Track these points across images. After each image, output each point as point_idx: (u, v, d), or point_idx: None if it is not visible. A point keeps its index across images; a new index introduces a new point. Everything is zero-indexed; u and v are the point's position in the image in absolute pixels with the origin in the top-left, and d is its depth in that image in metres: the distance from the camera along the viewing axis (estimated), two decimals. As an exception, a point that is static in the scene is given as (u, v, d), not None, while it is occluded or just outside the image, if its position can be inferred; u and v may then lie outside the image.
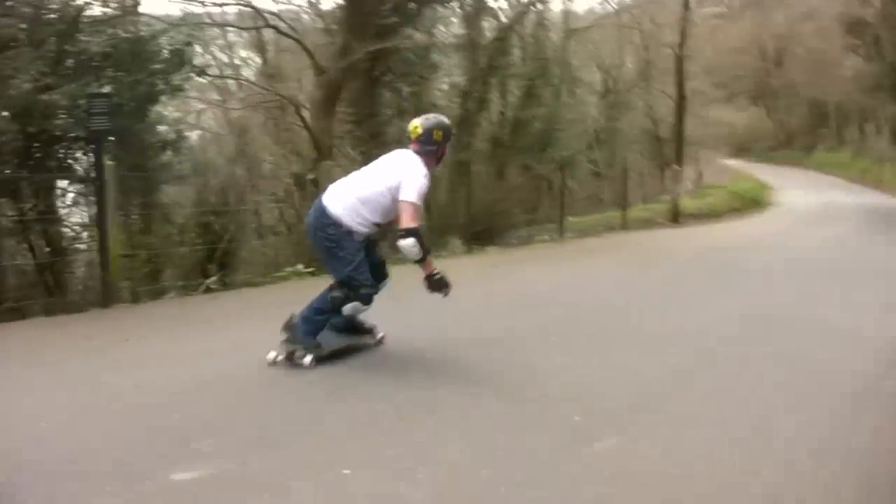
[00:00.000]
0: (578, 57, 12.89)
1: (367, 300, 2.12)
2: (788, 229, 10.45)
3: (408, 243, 1.98)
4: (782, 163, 32.32)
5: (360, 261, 2.05)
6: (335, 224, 2.03)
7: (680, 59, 14.51)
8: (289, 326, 2.18)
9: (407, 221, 1.94)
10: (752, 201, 14.82)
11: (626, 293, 4.44)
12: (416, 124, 2.13)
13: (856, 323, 3.83)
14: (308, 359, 2.13)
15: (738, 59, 27.30)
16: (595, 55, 14.76)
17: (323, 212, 2.05)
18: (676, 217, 10.80)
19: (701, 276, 5.36)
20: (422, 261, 2.05)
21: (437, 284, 2.15)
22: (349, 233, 2.03)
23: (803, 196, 17.18)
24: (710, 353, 2.99)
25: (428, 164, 2.10)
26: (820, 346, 3.33)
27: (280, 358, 2.22)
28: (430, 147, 2.09)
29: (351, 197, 2.06)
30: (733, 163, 26.35)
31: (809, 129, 32.09)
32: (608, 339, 3.12)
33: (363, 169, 2.14)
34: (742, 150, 35.50)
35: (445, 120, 2.17)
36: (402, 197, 1.98)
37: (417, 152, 2.09)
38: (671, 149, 15.25)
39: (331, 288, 2.14)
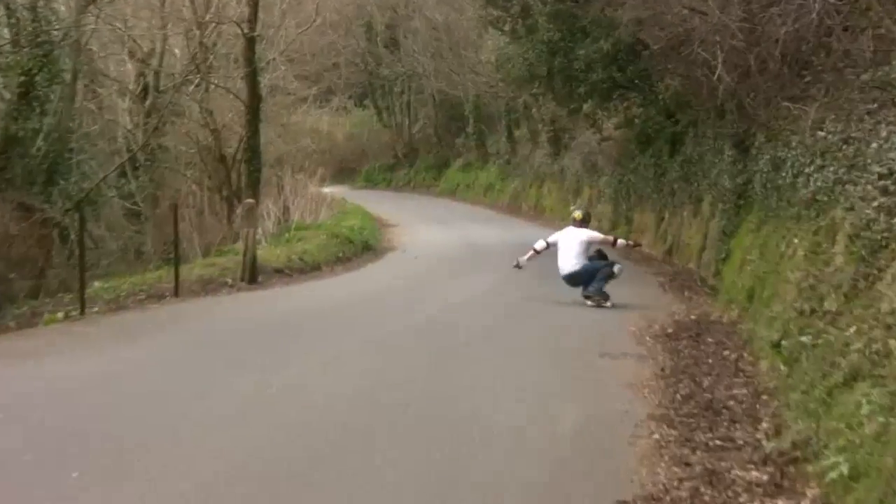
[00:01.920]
0: (102, 39, 13.38)
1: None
2: (414, 284, 12.95)
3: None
4: (405, 188, 39.91)
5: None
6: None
7: (250, 41, 15.85)
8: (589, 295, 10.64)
9: None
10: (363, 246, 17.91)
11: (164, 408, 5.71)
12: None
13: (515, 418, 5.44)
14: (610, 302, 10.62)
15: (336, 41, 30.38)
16: (126, 37, 15.37)
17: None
18: (254, 274, 12.45)
19: (282, 369, 6.91)
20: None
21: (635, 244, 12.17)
22: None
23: (435, 234, 20.90)
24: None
25: None
26: (476, 453, 4.70)
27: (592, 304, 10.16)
28: None
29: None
30: (335, 191, 30.35)
31: (440, 139, 38.83)
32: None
33: None
34: (347, 171, 41.02)
35: None
36: None
37: None
38: (243, 174, 16.87)
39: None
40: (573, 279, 11.61)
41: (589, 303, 11.31)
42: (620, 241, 12.32)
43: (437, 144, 40.45)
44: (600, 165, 22.25)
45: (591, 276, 11.45)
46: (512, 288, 12.42)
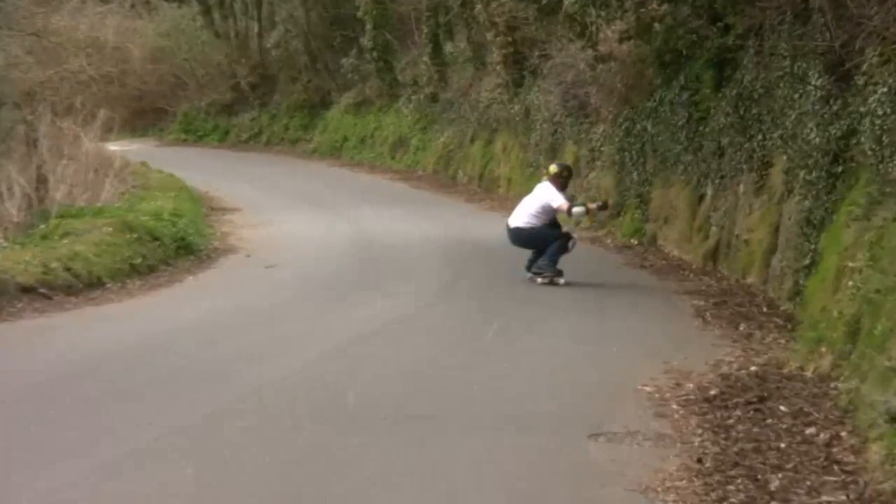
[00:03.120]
0: None
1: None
2: (268, 316, 13.35)
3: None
4: (253, 143, 42.77)
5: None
6: None
7: None
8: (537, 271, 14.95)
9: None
10: (180, 246, 17.96)
11: None
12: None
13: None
14: (562, 280, 14.78)
15: None
16: None
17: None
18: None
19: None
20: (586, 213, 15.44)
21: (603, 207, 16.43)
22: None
23: (307, 226, 21.86)
24: None
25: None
26: None
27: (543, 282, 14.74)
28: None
29: None
30: (131, 148, 31.14)
31: (314, 60, 41.17)
32: None
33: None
34: (151, 114, 43.29)
35: None
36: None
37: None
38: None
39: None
40: (518, 237, 15.16)
41: (539, 280, 14.81)
42: (576, 210, 15.21)
43: (308, 69, 41.00)
44: (594, 105, 22.49)
45: (541, 244, 14.92)
46: (442, 314, 13.43)
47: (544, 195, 14.91)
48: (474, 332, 12.18)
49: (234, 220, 22.71)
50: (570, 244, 14.82)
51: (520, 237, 15.02)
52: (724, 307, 13.49)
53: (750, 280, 14.79)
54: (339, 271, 16.93)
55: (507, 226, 15.25)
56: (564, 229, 15.10)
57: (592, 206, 15.76)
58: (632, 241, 18.80)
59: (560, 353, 11.23)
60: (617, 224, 19.79)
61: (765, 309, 13.15)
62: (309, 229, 21.33)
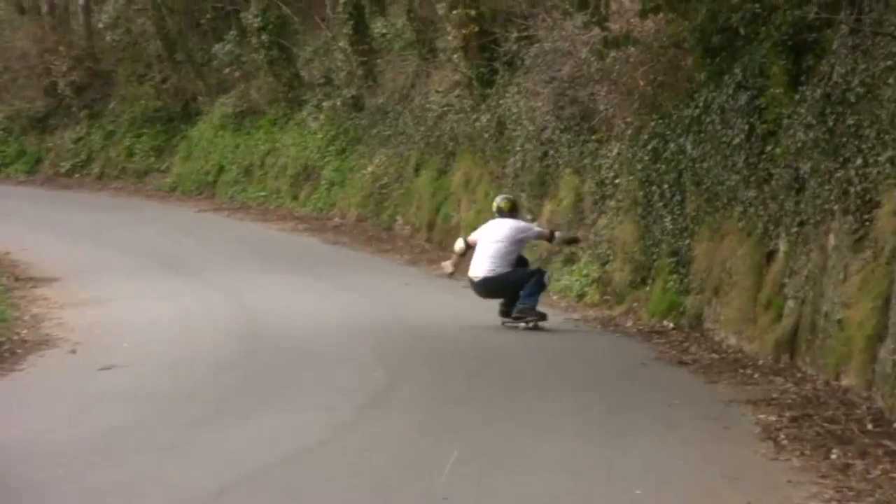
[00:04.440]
0: None
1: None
2: (97, 447, 13.07)
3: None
4: (80, 175, 43.03)
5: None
6: None
7: None
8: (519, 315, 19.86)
9: None
10: None
11: None
12: None
13: None
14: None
15: None
16: None
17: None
18: None
19: None
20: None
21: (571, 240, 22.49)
22: None
23: (163, 303, 22.54)
24: None
25: None
26: None
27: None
28: None
29: None
30: None
31: (171, 49, 41.85)
32: None
33: None
34: None
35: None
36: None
37: None
38: None
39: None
40: (487, 287, 18.83)
41: (521, 325, 18.46)
42: (558, 234, 20.33)
43: (163, 60, 42.08)
44: (603, 114, 23.03)
45: (515, 287, 18.57)
46: (370, 440, 13.27)
47: (515, 228, 19.01)
48: (421, 467, 11.99)
49: (50, 297, 22.97)
50: (545, 279, 19.02)
51: (491, 287, 18.74)
52: (806, 424, 13.25)
53: (846, 382, 14.58)
54: (211, 374, 17.03)
55: (472, 279, 18.93)
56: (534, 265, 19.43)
57: (571, 236, 21.03)
58: (664, 322, 19.01)
59: (558, 499, 10.96)
60: (641, 296, 20.03)
61: (869, 426, 12.89)
62: (165, 309, 21.66)
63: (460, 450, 12.12)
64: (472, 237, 19.52)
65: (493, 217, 19.50)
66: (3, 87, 43.54)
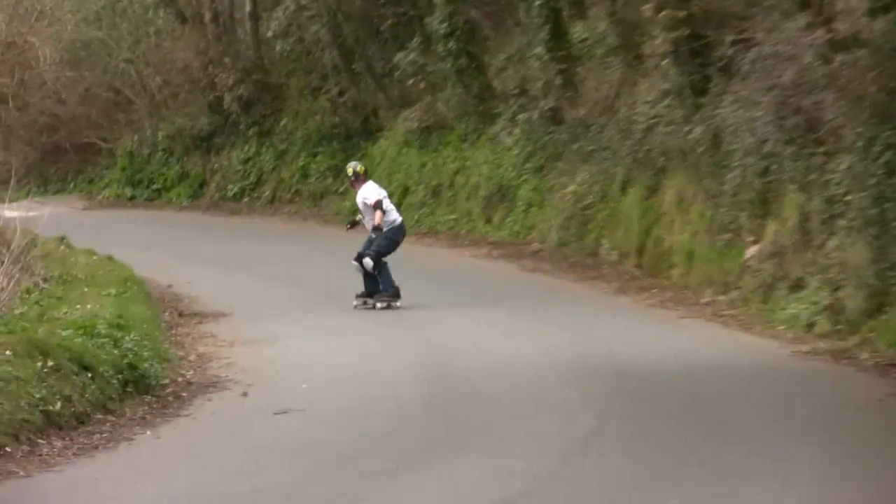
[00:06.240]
0: None
1: None
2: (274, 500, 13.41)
3: None
4: (249, 200, 44.20)
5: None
6: None
7: None
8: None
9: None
10: (128, 380, 18.03)
11: None
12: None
13: None
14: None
15: None
16: None
17: None
18: None
19: None
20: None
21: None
22: None
23: (345, 343, 22.54)
24: None
25: None
26: None
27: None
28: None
29: None
30: (37, 214, 31.93)
31: (349, 59, 42.59)
32: None
33: None
34: (73, 154, 45.21)
35: None
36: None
37: None
38: None
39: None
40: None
41: (378, 305, 23.32)
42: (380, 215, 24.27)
43: (339, 73, 41.95)
44: (831, 124, 22.69)
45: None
46: (580, 491, 13.16)
47: (358, 198, 24.81)
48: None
49: (218, 334, 23.45)
50: (366, 264, 24.24)
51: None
52: None
53: None
54: (395, 420, 16.95)
55: (403, 226, 24.93)
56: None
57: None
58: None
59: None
60: (877, 325, 19.37)
61: None
62: (346, 348, 21.80)
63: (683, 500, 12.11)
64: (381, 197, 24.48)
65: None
66: (163, 104, 43.41)
